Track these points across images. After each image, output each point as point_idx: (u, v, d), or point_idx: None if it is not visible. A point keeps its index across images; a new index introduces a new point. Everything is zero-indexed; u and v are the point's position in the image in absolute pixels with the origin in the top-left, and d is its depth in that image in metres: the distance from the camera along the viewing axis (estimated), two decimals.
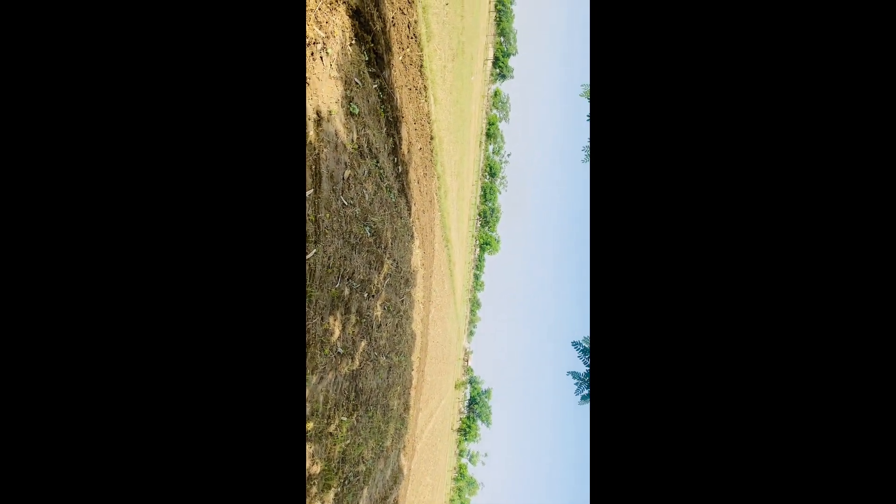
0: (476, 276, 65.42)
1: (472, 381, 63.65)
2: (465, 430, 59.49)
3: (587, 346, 4.26)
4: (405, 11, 8.31)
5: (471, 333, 69.82)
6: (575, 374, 4.38)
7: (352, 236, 6.14)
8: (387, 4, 7.10)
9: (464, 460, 61.18)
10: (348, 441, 6.74)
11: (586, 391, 4.28)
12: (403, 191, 9.64)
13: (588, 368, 4.30)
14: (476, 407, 62.65)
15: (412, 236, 11.08)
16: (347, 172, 5.80)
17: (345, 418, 6.57)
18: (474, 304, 68.27)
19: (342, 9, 5.37)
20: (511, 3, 55.63)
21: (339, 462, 6.39)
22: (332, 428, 6.08)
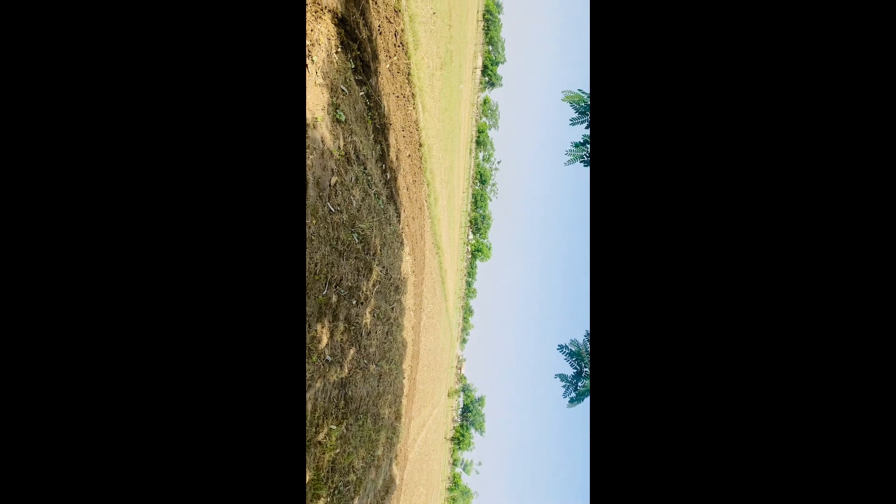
0: (468, 284, 65.42)
1: (466, 389, 63.36)
2: (459, 439, 59.09)
3: (573, 349, 4.29)
4: (392, 20, 8.38)
5: (463, 341, 69.63)
6: (563, 377, 4.40)
7: (339, 243, 6.12)
8: (373, 13, 7.16)
9: (458, 469, 60.70)
10: (338, 450, 6.66)
11: (574, 394, 4.30)
12: (392, 198, 9.65)
13: (575, 371, 4.33)
14: (469, 415, 62.32)
15: (402, 243, 11.07)
16: (334, 179, 5.79)
17: (334, 427, 6.50)
18: (467, 312, 68.19)
19: (327, 17, 5.40)
20: (499, 13, 56.35)
21: (328, 471, 6.31)
22: (320, 437, 6.02)
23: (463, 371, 64.31)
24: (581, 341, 4.40)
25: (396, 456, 12.42)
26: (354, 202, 6.73)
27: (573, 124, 4.18)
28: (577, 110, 4.10)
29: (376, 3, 7.35)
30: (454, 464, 59.56)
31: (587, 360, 4.39)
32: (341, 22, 5.84)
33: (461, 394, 61.72)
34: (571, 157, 4.25)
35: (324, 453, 6.10)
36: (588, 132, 4.04)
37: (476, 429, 62.51)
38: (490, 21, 54.60)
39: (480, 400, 64.16)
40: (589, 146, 4.11)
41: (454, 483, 57.76)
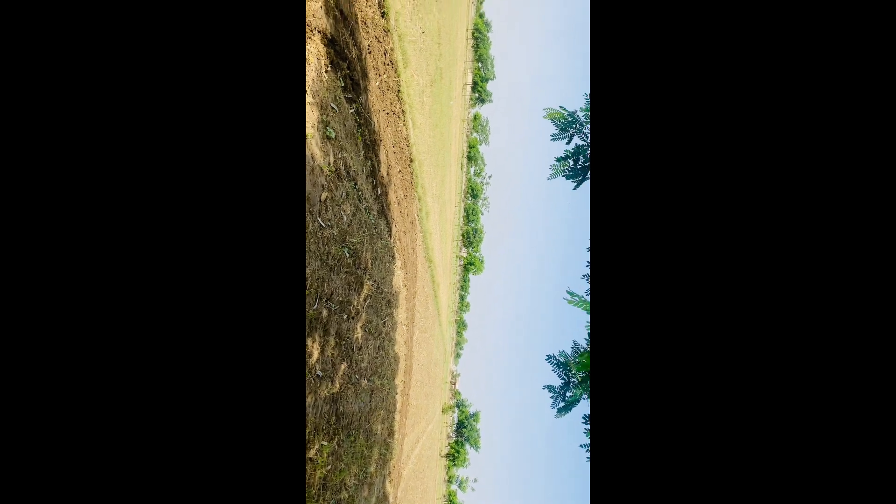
0: (461, 297, 65.26)
1: (460, 405, 62.71)
2: (454, 456, 58.25)
3: (561, 359, 4.35)
4: (381, 39, 8.57)
5: (457, 356, 69.10)
6: (551, 388, 4.45)
7: (329, 257, 6.16)
8: (362, 33, 7.33)
9: (453, 487, 59.71)
10: (329, 467, 6.60)
11: (562, 403, 4.35)
12: (383, 212, 9.73)
13: (563, 381, 4.39)
14: (464, 431, 61.57)
15: (393, 257, 11.11)
16: (324, 195, 5.87)
17: (325, 443, 6.45)
18: (460, 326, 67.84)
19: (317, 37, 5.54)
20: (487, 31, 57.45)
21: (319, 489, 6.24)
22: (311, 453, 5.97)
23: (457, 386, 63.73)
24: (569, 352, 4.47)
25: (390, 473, 12.26)
26: (345, 217, 6.80)
27: (554, 140, 4.32)
28: (558, 127, 4.24)
29: (365, 23, 7.53)
30: (449, 481, 58.61)
31: (575, 369, 4.46)
32: (330, 42, 5.98)
33: (456, 409, 61.06)
34: (554, 172, 4.38)
35: (315, 470, 6.04)
36: (569, 147, 4.19)
37: (471, 445, 61.73)
38: (479, 39, 55.61)
39: (475, 415, 63.48)
40: (571, 161, 4.25)
41: (449, 501, 56.76)
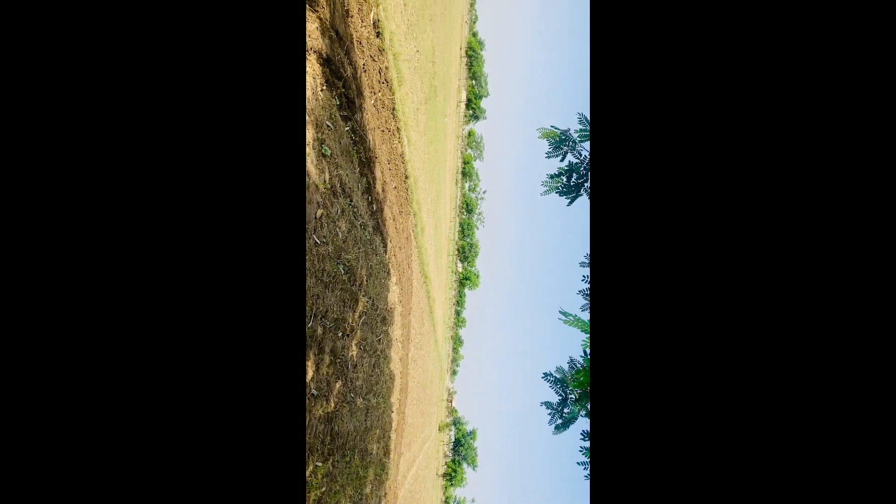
0: (457, 313, 65.01)
1: (457, 423, 61.93)
2: (451, 475, 57.25)
3: (558, 376, 4.32)
4: (376, 59, 8.70)
5: (454, 372, 68.50)
6: (548, 404, 4.40)
7: (324, 274, 6.14)
8: (357, 53, 7.44)
9: None
10: (324, 488, 6.47)
11: (560, 420, 4.30)
12: (378, 228, 9.75)
13: (560, 398, 4.35)
14: (461, 449, 60.66)
15: (388, 273, 11.09)
16: (320, 212, 5.88)
17: (320, 464, 6.33)
18: (456, 342, 67.43)
19: (313, 57, 5.62)
20: (481, 49, 58.56)
21: None
22: (306, 474, 5.85)
23: (454, 404, 63.03)
24: (566, 368, 4.45)
25: (386, 494, 12.02)
26: (340, 234, 6.80)
27: (548, 157, 4.37)
28: (551, 145, 4.30)
29: (360, 43, 7.65)
30: (447, 502, 57.49)
31: (572, 386, 4.43)
32: (326, 61, 6.07)
33: (452, 427, 60.27)
34: (547, 188, 4.42)
35: (309, 492, 5.92)
36: (563, 165, 4.24)
37: (468, 464, 60.76)
38: (473, 57, 56.65)
39: (472, 433, 62.67)
40: (564, 178, 4.30)
41: None
